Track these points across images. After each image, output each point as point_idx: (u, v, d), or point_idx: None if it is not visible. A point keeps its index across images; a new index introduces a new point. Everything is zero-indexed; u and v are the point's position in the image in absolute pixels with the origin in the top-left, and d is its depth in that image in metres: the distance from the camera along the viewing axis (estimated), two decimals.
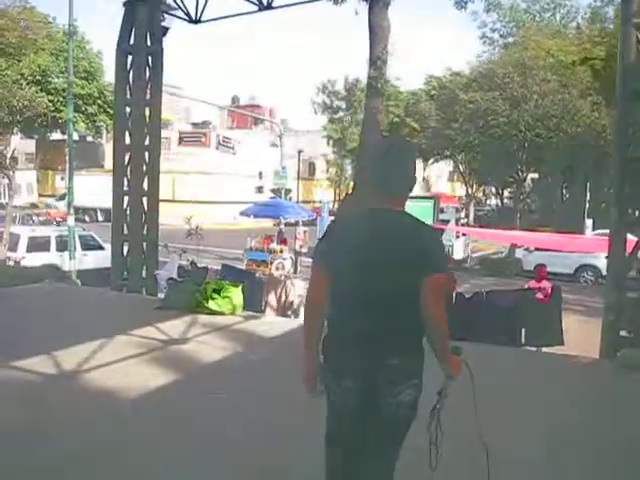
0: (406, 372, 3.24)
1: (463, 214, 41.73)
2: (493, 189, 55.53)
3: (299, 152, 49.31)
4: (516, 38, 43.80)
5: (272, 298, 12.54)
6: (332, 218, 20.80)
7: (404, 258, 3.21)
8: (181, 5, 14.15)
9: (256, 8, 13.79)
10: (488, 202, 62.37)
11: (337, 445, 3.37)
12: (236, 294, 10.49)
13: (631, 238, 9.87)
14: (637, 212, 10.17)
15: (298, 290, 12.82)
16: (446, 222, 30.19)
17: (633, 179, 9.84)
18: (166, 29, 13.99)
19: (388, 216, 3.36)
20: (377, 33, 15.25)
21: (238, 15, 14.51)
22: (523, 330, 10.74)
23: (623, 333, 9.46)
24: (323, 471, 3.38)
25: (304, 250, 25.03)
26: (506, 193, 47.48)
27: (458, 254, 27.39)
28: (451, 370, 3.27)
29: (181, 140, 53.88)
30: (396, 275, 3.20)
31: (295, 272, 21.90)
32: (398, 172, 3.42)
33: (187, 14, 14.25)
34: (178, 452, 5.00)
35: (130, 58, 13.62)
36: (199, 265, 12.74)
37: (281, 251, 22.13)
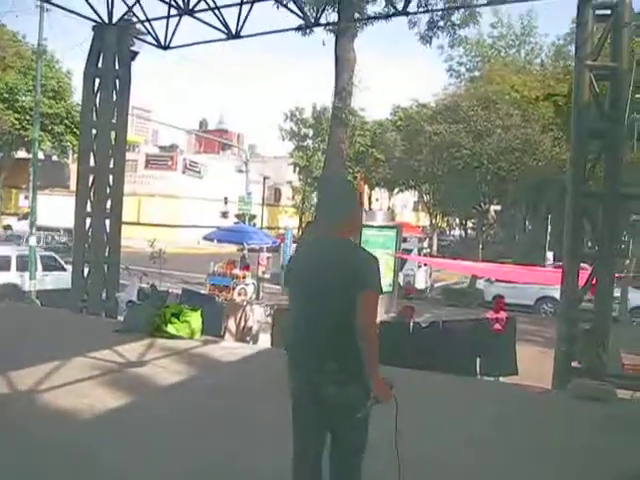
0: (340, 375, 3.70)
1: (426, 244, 42.04)
2: (457, 220, 56.23)
3: (264, 178, 49.47)
4: (482, 72, 44.62)
5: (231, 323, 12.60)
6: (295, 245, 20.94)
7: (340, 277, 3.71)
8: (150, 30, 14.25)
9: (225, 36, 13.95)
10: (452, 232, 63.02)
11: (298, 429, 4.00)
12: (195, 318, 10.52)
13: (584, 269, 10.14)
14: (590, 245, 10.45)
15: (257, 316, 12.90)
16: (409, 252, 30.43)
17: (587, 213, 10.14)
18: (135, 53, 14.09)
19: (328, 242, 3.91)
20: (343, 64, 15.50)
21: (207, 42, 14.67)
22: (478, 360, 10.91)
23: (574, 364, 9.69)
24: None
25: (267, 276, 25.08)
26: (469, 224, 48.13)
27: (420, 284, 27.65)
28: (377, 393, 3.66)
29: (148, 163, 53.83)
30: (333, 292, 3.72)
31: (257, 298, 21.92)
32: (333, 206, 3.98)
33: (156, 39, 14.35)
34: (130, 473, 5.04)
35: (98, 81, 13.69)
36: (160, 289, 12.77)
37: (244, 277, 22.14)
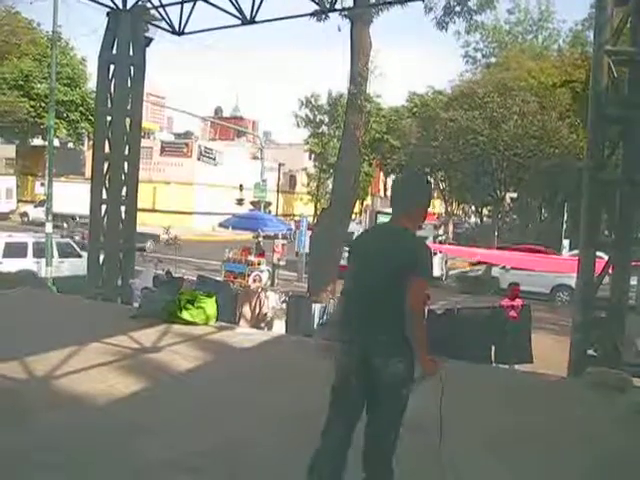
0: (391, 348, 4.01)
1: (442, 231, 41.94)
2: (472, 207, 56.00)
3: (279, 165, 49.34)
4: (498, 58, 44.28)
5: (246, 310, 12.62)
6: (310, 232, 20.89)
7: (398, 262, 4.03)
8: (165, 16, 14.21)
9: (239, 22, 13.88)
10: (467, 220, 62.77)
11: (338, 395, 4.16)
12: (210, 305, 10.53)
13: (601, 258, 10.05)
14: (608, 233, 10.35)
15: (272, 302, 12.90)
16: (424, 239, 30.33)
17: (604, 201, 10.06)
18: (149, 39, 14.06)
19: (392, 229, 4.30)
20: (358, 50, 15.38)
21: (221, 28, 14.61)
22: (493, 347, 10.86)
23: (590, 352, 9.63)
24: None
25: (282, 263, 25.08)
26: (485, 211, 47.87)
27: (435, 271, 27.53)
28: (425, 368, 3.98)
29: (163, 150, 53.82)
30: (391, 275, 4.03)
31: (272, 285, 21.95)
32: (404, 198, 4.31)
33: (171, 25, 14.31)
34: (148, 456, 5.06)
35: (112, 67, 13.68)
36: (175, 275, 12.78)
37: (259, 263, 22.14)
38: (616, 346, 9.40)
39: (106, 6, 13.51)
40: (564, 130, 32.14)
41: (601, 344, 9.49)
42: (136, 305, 12.29)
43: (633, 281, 24.31)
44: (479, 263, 28.12)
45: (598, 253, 10.04)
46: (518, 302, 12.63)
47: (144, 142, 15.46)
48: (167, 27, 14.38)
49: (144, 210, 46.81)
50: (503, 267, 25.36)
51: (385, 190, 60.11)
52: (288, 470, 4.76)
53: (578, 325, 9.65)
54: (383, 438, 4.12)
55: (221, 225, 25.10)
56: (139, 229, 14.25)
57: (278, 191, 50.03)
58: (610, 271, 9.92)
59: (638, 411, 6.86)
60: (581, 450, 5.75)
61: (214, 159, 54.34)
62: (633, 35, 9.70)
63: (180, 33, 14.45)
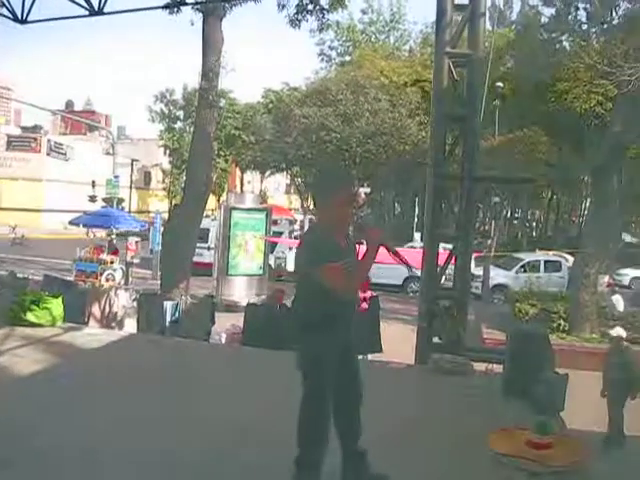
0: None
1: (297, 226, 42.38)
2: None
3: (132, 161, 48.24)
4: (352, 57, 45.25)
5: (96, 309, 12.29)
6: (163, 229, 20.56)
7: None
8: (5, 2, 13.53)
9: (87, 12, 13.45)
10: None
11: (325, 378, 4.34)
12: (56, 305, 10.16)
13: (443, 250, 10.55)
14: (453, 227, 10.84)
15: (122, 301, 12.63)
16: (279, 234, 30.56)
17: (446, 195, 10.55)
18: None
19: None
20: (210, 45, 15.27)
21: (68, 18, 14.10)
22: None
23: (436, 340, 10.09)
24: None
25: (136, 261, 24.57)
26: None
27: (291, 266, 27.80)
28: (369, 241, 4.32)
29: (10, 144, 51.44)
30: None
31: (126, 283, 21.47)
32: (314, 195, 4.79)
33: (12, 12, 13.64)
34: None
35: None
36: (19, 276, 12.27)
37: (112, 262, 21.62)
38: (458, 333, 9.90)
39: None
40: (414, 127, 33.32)
41: (445, 332, 9.95)
42: None
43: (479, 271, 25.73)
44: None
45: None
46: (369, 294, 12.99)
47: None
48: (8, 14, 13.71)
49: None
50: None
51: (242, 186, 60.06)
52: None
53: (423, 314, 10.10)
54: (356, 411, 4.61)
55: (72, 223, 24.26)
56: None
57: (131, 187, 48.89)
58: (453, 262, 10.42)
59: (475, 394, 7.26)
60: (413, 431, 6.02)
61: (65, 154, 52.46)
62: (470, 39, 10.24)
63: (23, 21, 13.79)
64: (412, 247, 28.07)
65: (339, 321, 4.37)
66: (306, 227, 47.57)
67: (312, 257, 4.25)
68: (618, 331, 10.62)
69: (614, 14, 22.86)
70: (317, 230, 4.57)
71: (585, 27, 27.43)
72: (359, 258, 4.41)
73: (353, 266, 4.27)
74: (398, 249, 4.62)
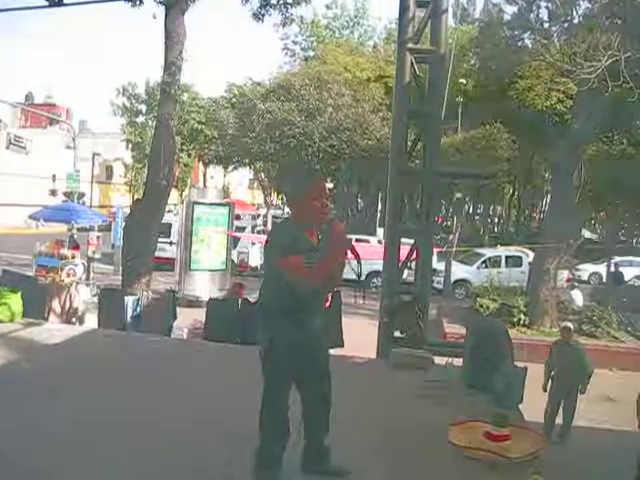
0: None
1: (260, 221, 42.35)
2: None
3: (94, 155, 47.70)
4: (316, 52, 45.20)
5: (56, 304, 12.15)
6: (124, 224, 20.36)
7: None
8: None
9: (47, 3, 13.25)
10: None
11: (283, 382, 4.42)
12: (15, 300, 10.02)
13: (404, 245, 10.60)
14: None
15: (83, 296, 12.50)
16: (242, 229, 30.50)
17: (407, 190, 10.61)
18: None
19: None
20: (172, 38, 15.13)
21: (27, 9, 13.87)
22: None
23: (397, 334, 10.16)
24: None
25: (97, 256, 24.30)
26: None
27: (254, 261, 27.77)
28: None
29: None
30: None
31: (88, 278, 21.24)
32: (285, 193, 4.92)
33: None
34: None
35: None
36: None
37: (73, 257, 21.30)
38: (420, 327, 9.98)
39: None
40: (377, 123, 33.42)
41: (406, 326, 10.02)
42: None
43: (441, 266, 25.89)
44: None
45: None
46: None
47: None
48: None
49: None
50: None
51: (205, 181, 59.74)
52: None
53: (385, 308, 10.16)
54: (325, 410, 4.66)
55: (31, 217, 23.91)
56: None
57: (92, 181, 48.33)
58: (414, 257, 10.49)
59: (434, 387, 7.33)
60: (373, 425, 6.06)
61: (25, 148, 51.67)
62: (432, 35, 10.30)
63: None
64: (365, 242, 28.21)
65: (304, 314, 4.40)
66: (269, 222, 47.68)
67: (275, 248, 4.31)
68: (567, 324, 10.91)
69: (575, 13, 23.17)
70: (287, 223, 4.65)
71: (547, 25, 27.71)
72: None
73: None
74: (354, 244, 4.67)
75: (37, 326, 10.06)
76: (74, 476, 4.70)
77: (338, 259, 4.32)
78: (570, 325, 10.88)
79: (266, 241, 4.55)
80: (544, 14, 27.80)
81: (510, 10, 31.30)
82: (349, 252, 4.50)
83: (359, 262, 4.51)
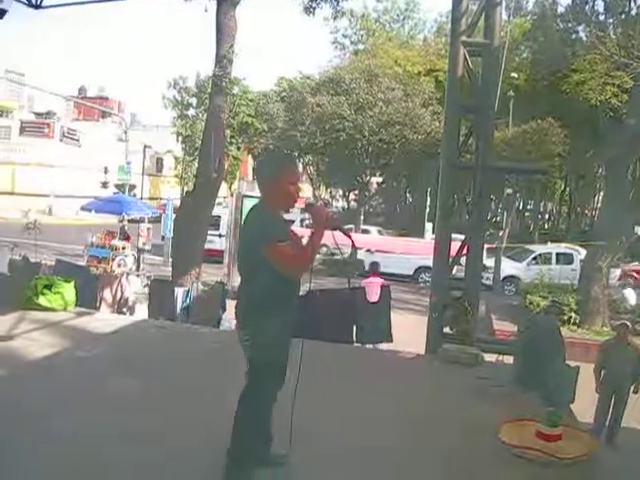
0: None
1: (309, 214, 42.35)
2: (340, 191, 56.81)
3: (144, 147, 48.25)
4: (366, 46, 45.03)
5: (107, 294, 12.33)
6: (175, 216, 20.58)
7: (245, 240, 4.56)
8: None
9: None
10: (335, 204, 63.66)
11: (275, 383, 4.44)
12: (68, 290, 10.20)
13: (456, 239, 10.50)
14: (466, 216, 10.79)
15: (134, 287, 12.65)
16: (291, 222, 30.54)
17: (459, 185, 10.50)
18: (3, 11, 13.36)
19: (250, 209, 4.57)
20: (224, 31, 15.21)
21: (82, 3, 14.11)
22: (354, 328, 11.10)
23: (446, 330, 10.07)
24: None
25: (147, 247, 24.63)
26: (352, 195, 48.72)
27: None
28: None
29: (23, 130, 51.59)
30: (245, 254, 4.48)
31: (138, 269, 21.55)
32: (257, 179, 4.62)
33: None
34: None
35: None
36: (32, 260, 12.31)
37: (123, 248, 21.68)
38: (469, 324, 9.87)
39: None
40: (427, 117, 33.20)
41: (455, 322, 9.92)
42: None
43: (491, 263, 25.62)
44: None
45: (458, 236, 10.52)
46: (380, 282, 12.96)
47: (1, 121, 14.53)
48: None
49: (1, 193, 44.86)
50: (368, 250, 25.97)
51: (254, 174, 59.99)
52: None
53: (434, 304, 10.07)
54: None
55: (83, 208, 24.33)
56: None
57: (143, 174, 48.89)
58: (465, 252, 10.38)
59: (485, 385, 7.25)
60: (426, 422, 6.01)
61: (78, 140, 52.57)
62: (486, 28, 10.15)
63: (37, 6, 13.77)
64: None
65: (287, 304, 4.36)
66: None
67: (260, 235, 4.20)
68: (624, 322, 10.70)
69: (632, 4, 22.69)
70: (262, 209, 4.46)
71: (602, 18, 27.19)
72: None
73: (297, 246, 4.31)
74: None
75: (88, 315, 10.23)
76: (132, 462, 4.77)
77: (321, 242, 4.33)
78: (628, 323, 10.70)
79: (245, 231, 4.58)
80: (600, 6, 27.34)
81: (564, 2, 30.82)
82: (344, 237, 4.62)
83: (355, 249, 4.53)
